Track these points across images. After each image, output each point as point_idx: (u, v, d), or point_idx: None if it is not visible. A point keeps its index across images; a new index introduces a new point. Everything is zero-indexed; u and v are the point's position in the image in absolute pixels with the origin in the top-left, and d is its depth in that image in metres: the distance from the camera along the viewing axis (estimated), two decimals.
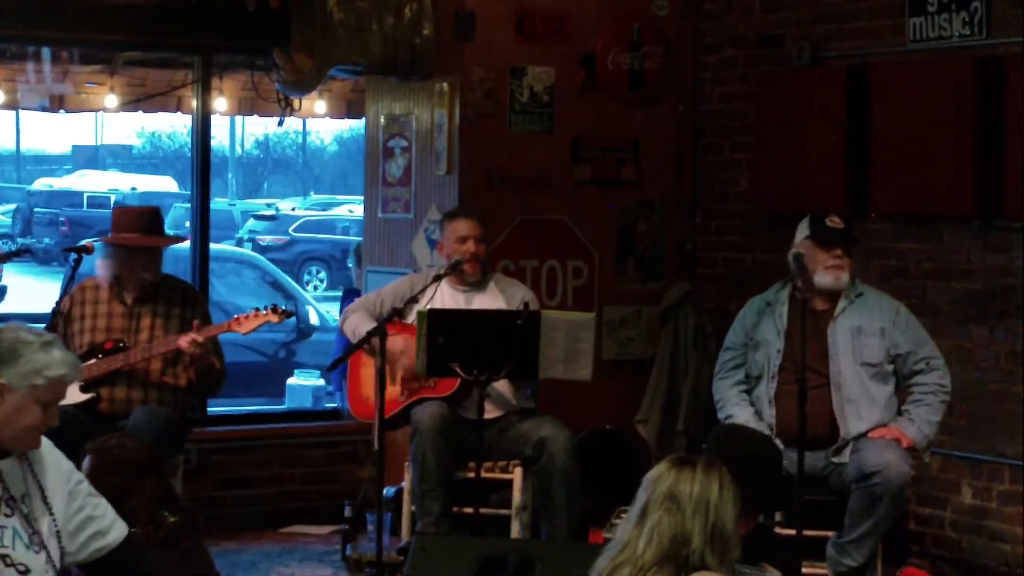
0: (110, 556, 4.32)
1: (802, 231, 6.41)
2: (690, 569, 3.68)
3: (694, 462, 3.82)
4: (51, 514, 4.25)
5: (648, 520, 3.75)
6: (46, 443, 4.34)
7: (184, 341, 6.51)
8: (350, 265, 10.31)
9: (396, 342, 6.67)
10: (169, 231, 7.08)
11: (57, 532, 4.24)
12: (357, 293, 9.18)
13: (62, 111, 9.09)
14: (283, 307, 6.68)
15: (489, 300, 6.91)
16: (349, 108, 9.49)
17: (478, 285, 6.98)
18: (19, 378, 4.18)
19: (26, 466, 4.26)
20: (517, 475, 6.80)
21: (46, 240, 27.06)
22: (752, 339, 6.48)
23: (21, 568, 4.20)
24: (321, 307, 14.82)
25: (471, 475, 6.49)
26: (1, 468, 4.24)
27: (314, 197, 36.56)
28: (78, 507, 4.31)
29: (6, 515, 4.21)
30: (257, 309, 6.65)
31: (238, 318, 6.66)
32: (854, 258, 6.43)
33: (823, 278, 6.30)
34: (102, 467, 4.73)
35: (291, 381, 10.46)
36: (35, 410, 4.20)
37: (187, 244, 8.13)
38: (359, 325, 6.82)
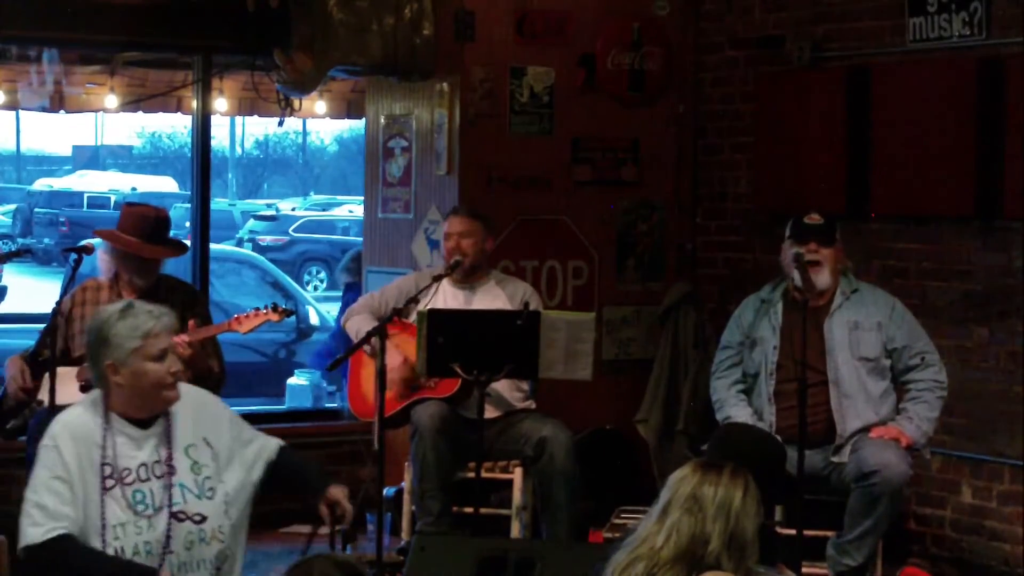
0: (273, 466, 4.69)
1: (786, 234, 6.43)
2: (703, 569, 3.69)
3: (720, 467, 3.84)
4: (216, 457, 4.55)
5: (668, 518, 3.77)
6: (193, 389, 4.67)
7: (176, 343, 6.49)
8: (342, 278, 10.16)
9: (394, 357, 6.63)
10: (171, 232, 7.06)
11: (218, 472, 4.54)
12: (358, 288, 9.21)
13: (62, 111, 9.09)
14: (283, 306, 6.67)
15: (490, 299, 6.90)
16: (349, 108, 9.49)
17: (478, 283, 6.97)
18: (119, 351, 4.46)
19: (177, 420, 4.53)
20: (517, 475, 6.80)
21: (46, 240, 27.06)
22: (748, 337, 6.48)
23: (197, 518, 4.46)
24: (321, 307, 14.82)
25: (471, 475, 6.49)
26: (148, 435, 4.50)
27: (314, 197, 36.57)
28: (239, 435, 4.65)
29: (170, 474, 4.47)
30: (257, 308, 6.64)
31: (238, 317, 6.65)
32: (838, 250, 6.40)
33: (792, 273, 6.31)
34: None
35: (291, 381, 10.46)
36: (150, 367, 4.47)
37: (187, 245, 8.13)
38: (363, 326, 6.81)
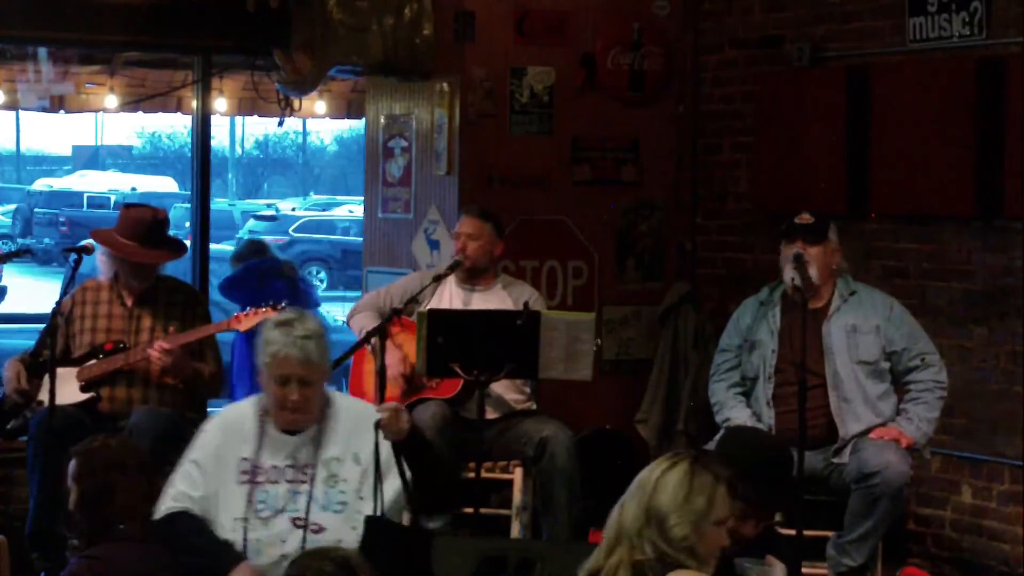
0: None
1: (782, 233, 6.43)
2: (633, 548, 3.70)
3: (672, 454, 3.84)
4: (364, 474, 4.56)
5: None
6: (358, 405, 4.69)
7: (153, 352, 6.49)
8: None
9: (393, 354, 6.62)
10: (170, 231, 7.06)
11: (358, 489, 4.56)
12: (232, 282, 9.35)
13: (62, 111, 9.11)
14: (283, 304, 6.67)
15: (496, 301, 6.87)
16: (349, 108, 9.50)
17: (484, 285, 6.94)
18: (259, 359, 4.60)
19: (328, 433, 4.56)
20: (517, 475, 6.79)
21: (46, 240, 27.07)
22: (747, 340, 6.48)
23: (314, 528, 4.54)
24: (321, 307, 14.80)
25: (471, 475, 6.48)
26: (293, 442, 4.56)
27: (314, 197, 36.57)
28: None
29: (301, 481, 4.52)
30: (257, 307, 6.65)
31: (238, 316, 6.66)
32: (829, 250, 6.37)
33: (786, 273, 6.31)
34: (88, 468, 4.75)
35: None
36: (271, 386, 4.57)
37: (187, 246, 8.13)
38: (366, 325, 6.78)
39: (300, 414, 4.56)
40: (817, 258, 6.29)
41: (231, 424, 4.61)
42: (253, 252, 10.48)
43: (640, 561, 3.73)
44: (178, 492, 4.60)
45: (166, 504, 4.61)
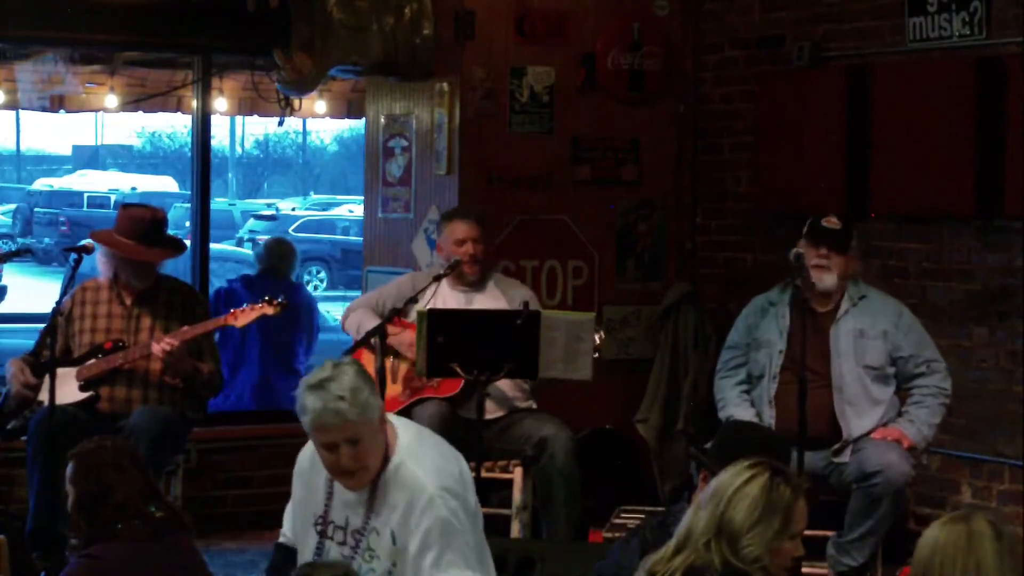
0: None
1: (803, 231, 6.42)
2: (698, 554, 3.67)
3: (752, 463, 3.78)
4: (396, 556, 4.25)
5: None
6: (421, 484, 4.24)
7: (156, 347, 6.49)
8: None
9: (405, 337, 6.65)
10: (170, 231, 7.06)
11: (389, 571, 4.27)
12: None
13: (62, 111, 9.11)
14: (278, 299, 6.66)
15: (491, 300, 6.89)
16: (349, 108, 9.49)
17: (478, 285, 6.96)
18: (303, 424, 4.28)
19: (380, 500, 4.29)
20: (517, 475, 6.79)
21: (46, 240, 27.06)
22: (754, 339, 6.47)
23: None
24: (321, 307, 14.80)
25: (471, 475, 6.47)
26: (351, 502, 4.34)
27: (314, 197, 36.58)
28: (423, 562, 4.23)
29: (351, 547, 4.33)
30: (253, 303, 6.65)
31: (234, 312, 6.66)
32: (851, 258, 6.38)
33: (811, 275, 6.32)
34: (85, 470, 4.76)
35: None
36: (320, 451, 4.27)
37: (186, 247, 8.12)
38: (363, 321, 6.79)
39: (357, 477, 4.27)
40: (839, 266, 6.28)
41: (317, 463, 4.38)
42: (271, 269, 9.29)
43: (702, 567, 3.68)
44: (285, 526, 4.69)
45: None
